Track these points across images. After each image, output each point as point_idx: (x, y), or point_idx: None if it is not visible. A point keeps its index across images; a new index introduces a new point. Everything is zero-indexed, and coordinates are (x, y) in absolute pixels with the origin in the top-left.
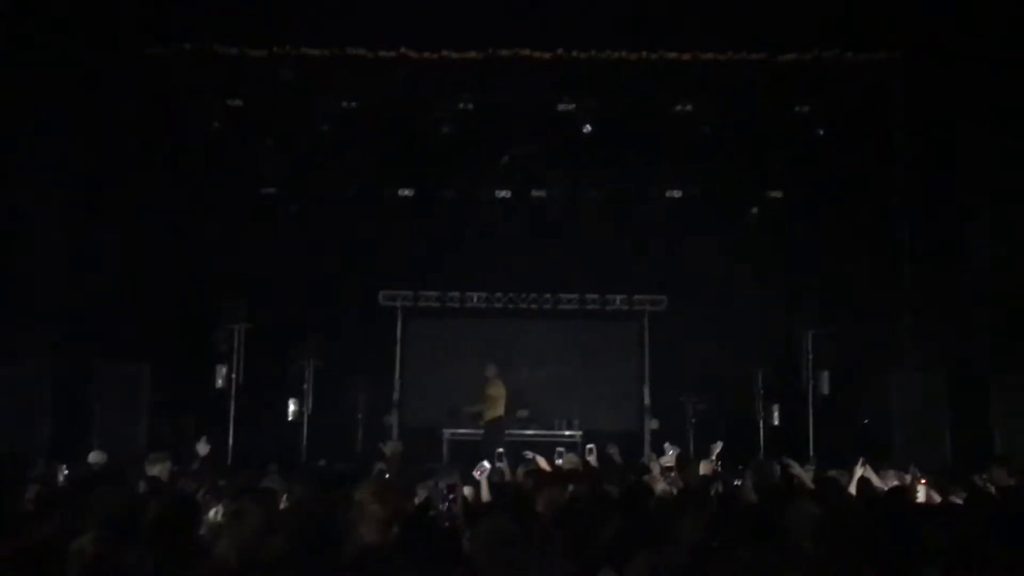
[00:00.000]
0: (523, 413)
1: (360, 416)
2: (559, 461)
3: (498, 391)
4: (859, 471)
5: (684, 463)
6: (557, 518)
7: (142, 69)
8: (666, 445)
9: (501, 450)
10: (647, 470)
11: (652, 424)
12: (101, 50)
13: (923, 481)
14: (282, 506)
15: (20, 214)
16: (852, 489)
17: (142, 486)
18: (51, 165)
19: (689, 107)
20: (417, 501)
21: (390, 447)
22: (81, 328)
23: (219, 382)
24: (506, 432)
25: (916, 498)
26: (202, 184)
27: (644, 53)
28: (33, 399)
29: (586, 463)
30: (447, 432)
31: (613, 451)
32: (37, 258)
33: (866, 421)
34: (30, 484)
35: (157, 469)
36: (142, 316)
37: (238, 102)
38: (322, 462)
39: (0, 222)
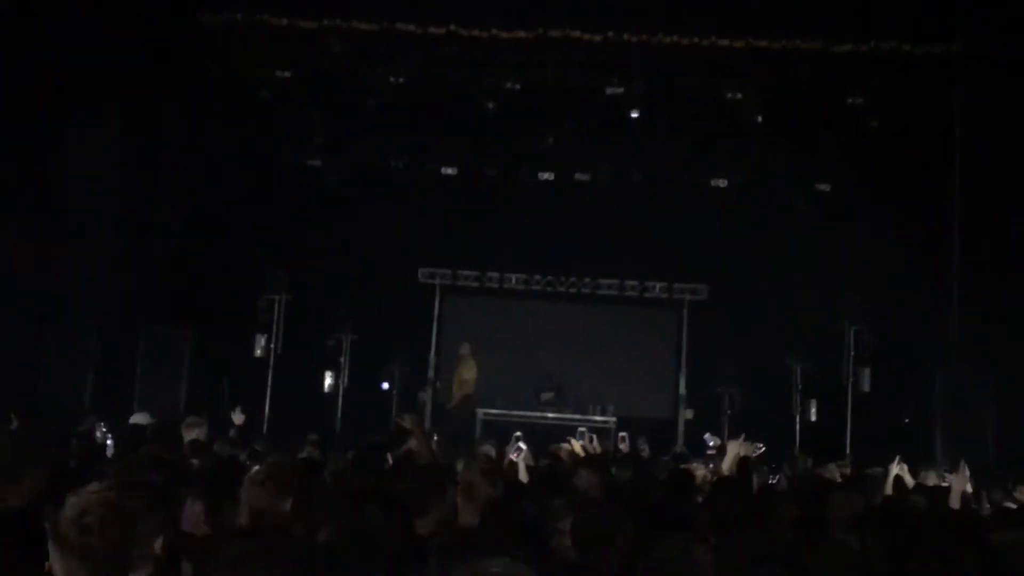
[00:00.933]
0: (547, 396)
1: (394, 392)
2: (581, 442)
3: (472, 373)
4: (895, 469)
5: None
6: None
7: (195, 37)
8: (707, 436)
9: (519, 433)
10: (686, 459)
11: (686, 414)
12: (155, 17)
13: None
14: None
15: (74, 179)
16: (888, 488)
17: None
18: (105, 131)
19: (739, 95)
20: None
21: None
22: (130, 292)
23: (258, 351)
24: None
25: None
26: (250, 154)
27: (696, 39)
28: (80, 358)
29: (618, 450)
30: (480, 411)
31: (643, 447)
32: (89, 222)
33: (907, 420)
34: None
35: (194, 433)
36: (188, 282)
37: (287, 73)
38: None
39: (54, 186)
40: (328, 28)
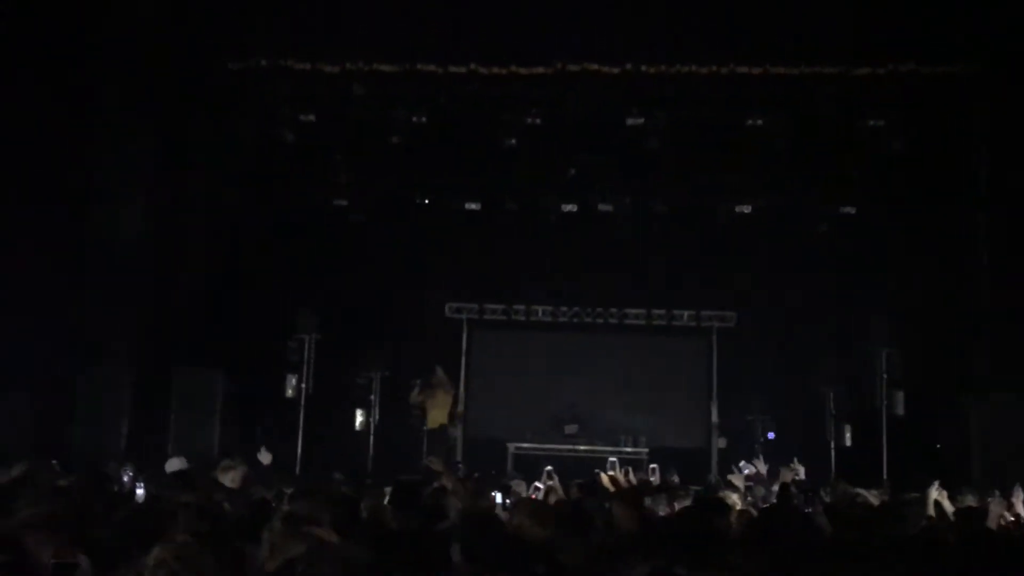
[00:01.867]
0: (572, 428)
1: (425, 428)
2: (610, 473)
3: (450, 398)
4: (933, 494)
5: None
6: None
7: (220, 84)
8: (742, 464)
9: (550, 468)
10: (717, 488)
11: (720, 443)
12: (182, 64)
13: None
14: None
15: (105, 226)
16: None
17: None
18: (135, 179)
19: (760, 121)
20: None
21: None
22: (161, 335)
23: (289, 391)
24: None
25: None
26: (277, 195)
27: (714, 67)
28: (114, 402)
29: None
30: (512, 445)
31: (674, 477)
32: (121, 267)
33: (938, 445)
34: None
35: (229, 477)
36: (219, 324)
37: (311, 116)
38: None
39: (87, 232)
40: (350, 71)
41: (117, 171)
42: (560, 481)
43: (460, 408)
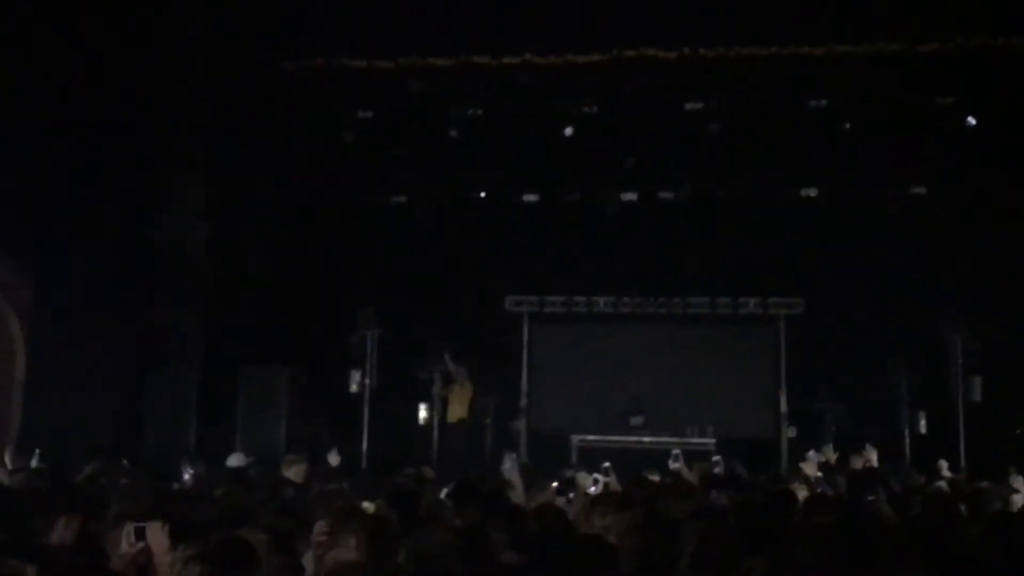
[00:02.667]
0: (637, 420)
1: (488, 421)
2: (674, 466)
3: (467, 391)
4: (1017, 483)
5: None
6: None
7: (277, 85)
8: (810, 453)
9: (608, 464)
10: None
11: (789, 432)
12: (238, 67)
13: None
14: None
15: (168, 229)
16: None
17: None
18: (196, 181)
19: (824, 102)
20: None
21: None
22: (226, 334)
23: (353, 387)
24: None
25: None
26: (336, 193)
27: (775, 48)
28: (181, 402)
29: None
30: (575, 438)
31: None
32: (185, 269)
33: (1018, 431)
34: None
35: (292, 471)
36: (283, 322)
37: (368, 113)
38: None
39: (151, 238)
40: (405, 67)
41: (179, 174)
42: (619, 476)
43: (523, 402)
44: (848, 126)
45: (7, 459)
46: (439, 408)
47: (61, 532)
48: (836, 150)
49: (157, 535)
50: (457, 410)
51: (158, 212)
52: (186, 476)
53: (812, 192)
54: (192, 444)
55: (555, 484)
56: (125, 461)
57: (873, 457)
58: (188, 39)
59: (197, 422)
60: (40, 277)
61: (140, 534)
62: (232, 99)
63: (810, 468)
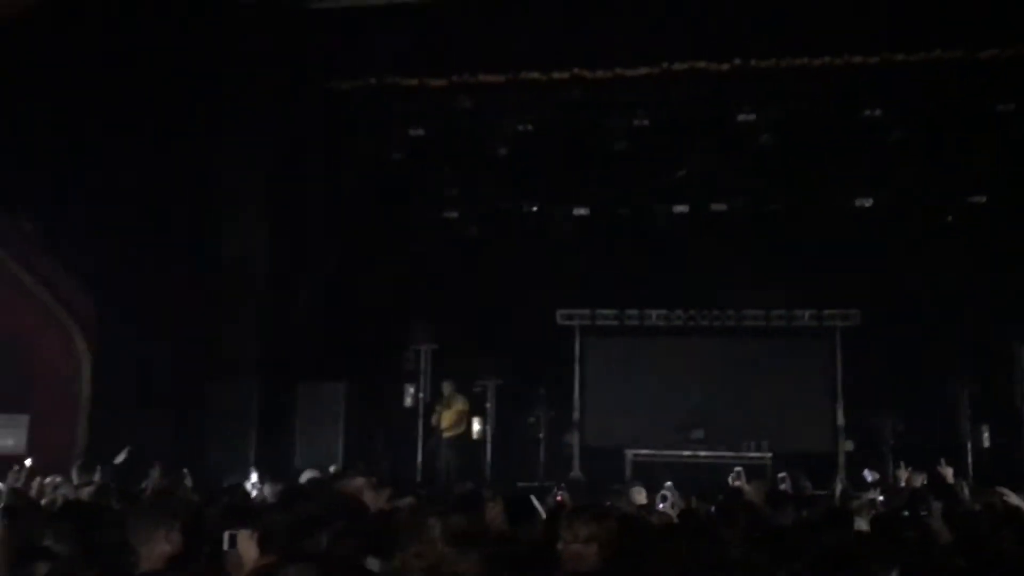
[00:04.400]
0: (698, 434)
1: (542, 435)
2: (736, 483)
3: (466, 407)
4: None
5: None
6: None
7: (332, 104)
8: (866, 472)
9: (670, 483)
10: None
11: (847, 446)
12: (295, 88)
13: None
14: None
15: (227, 248)
16: None
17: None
18: (254, 197)
19: (878, 111)
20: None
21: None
22: (285, 350)
23: (408, 401)
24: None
25: None
26: (389, 211)
27: (827, 58)
28: (242, 416)
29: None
30: (630, 452)
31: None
32: (244, 287)
33: None
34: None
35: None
36: (339, 338)
37: (420, 131)
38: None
39: (211, 253)
40: (456, 84)
41: (239, 193)
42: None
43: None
44: (903, 135)
45: (73, 474)
46: (492, 420)
47: (162, 544)
48: (891, 159)
49: (247, 543)
50: (454, 428)
51: (219, 231)
52: (249, 486)
53: (867, 202)
54: (252, 458)
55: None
56: (186, 471)
57: (949, 473)
58: (247, 62)
59: (257, 436)
60: (103, 294)
61: (232, 541)
62: (289, 120)
63: (870, 482)
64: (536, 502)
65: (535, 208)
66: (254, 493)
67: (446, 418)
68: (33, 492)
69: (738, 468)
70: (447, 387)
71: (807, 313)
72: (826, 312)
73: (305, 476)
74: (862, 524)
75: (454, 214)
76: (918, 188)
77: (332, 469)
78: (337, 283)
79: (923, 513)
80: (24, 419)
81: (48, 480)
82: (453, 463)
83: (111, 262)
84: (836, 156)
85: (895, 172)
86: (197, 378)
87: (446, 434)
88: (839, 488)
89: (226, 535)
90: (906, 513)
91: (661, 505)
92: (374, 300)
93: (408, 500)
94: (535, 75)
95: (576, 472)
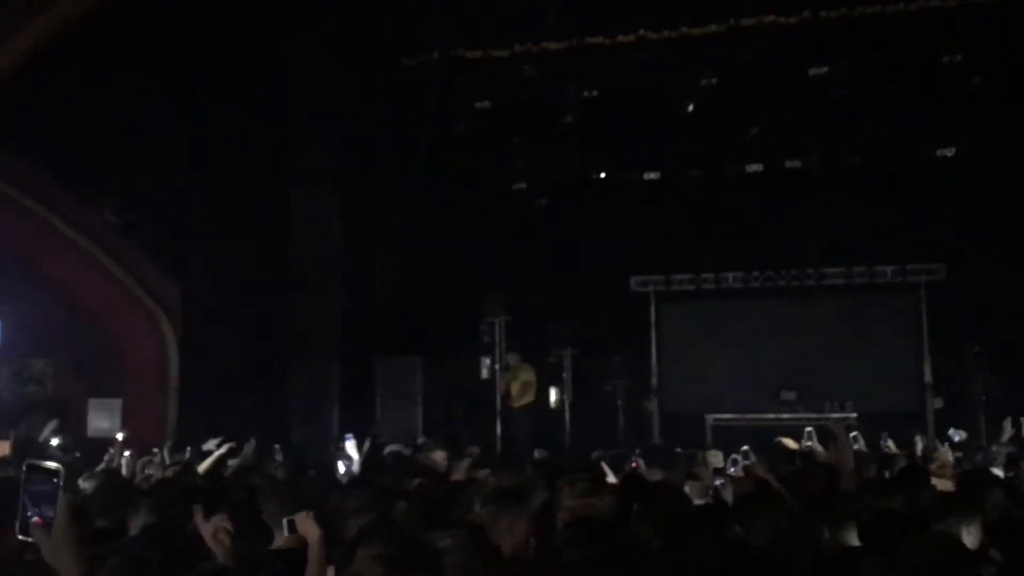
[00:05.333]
0: (789, 395)
1: (620, 402)
2: (808, 443)
3: (532, 376)
4: None
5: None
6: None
7: (397, 81)
8: (951, 431)
9: (746, 448)
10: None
11: (935, 403)
12: (360, 66)
13: None
14: None
15: (303, 229)
16: None
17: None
18: (325, 179)
19: (958, 57)
20: None
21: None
22: (362, 326)
23: (484, 373)
24: None
25: None
26: (457, 184)
27: (902, 5)
28: (323, 392)
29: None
30: (710, 417)
31: (886, 443)
32: (321, 266)
33: None
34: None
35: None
36: (413, 314)
37: (485, 103)
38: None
39: (290, 239)
40: (520, 53)
41: (312, 175)
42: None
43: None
44: (983, 82)
45: (165, 455)
46: (569, 389)
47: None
48: (973, 107)
49: (308, 527)
50: (521, 396)
51: (294, 212)
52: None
53: (949, 152)
54: (334, 434)
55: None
56: (277, 446)
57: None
58: (316, 45)
59: (339, 412)
60: (187, 280)
61: (292, 527)
62: (359, 99)
63: (947, 455)
64: (607, 468)
65: (603, 175)
66: (342, 469)
67: (514, 388)
68: (125, 472)
69: (809, 429)
70: (512, 358)
71: (889, 269)
72: (909, 267)
73: (388, 449)
74: (947, 484)
75: (522, 185)
76: (1002, 135)
77: (420, 441)
78: (410, 259)
79: (1010, 475)
80: (117, 403)
81: (141, 460)
82: (525, 433)
83: (192, 248)
84: (914, 106)
85: (977, 120)
86: (279, 358)
87: (516, 404)
88: (919, 446)
89: (285, 521)
90: (1000, 472)
91: (732, 469)
92: (446, 275)
93: (486, 471)
94: (599, 40)
95: (656, 438)
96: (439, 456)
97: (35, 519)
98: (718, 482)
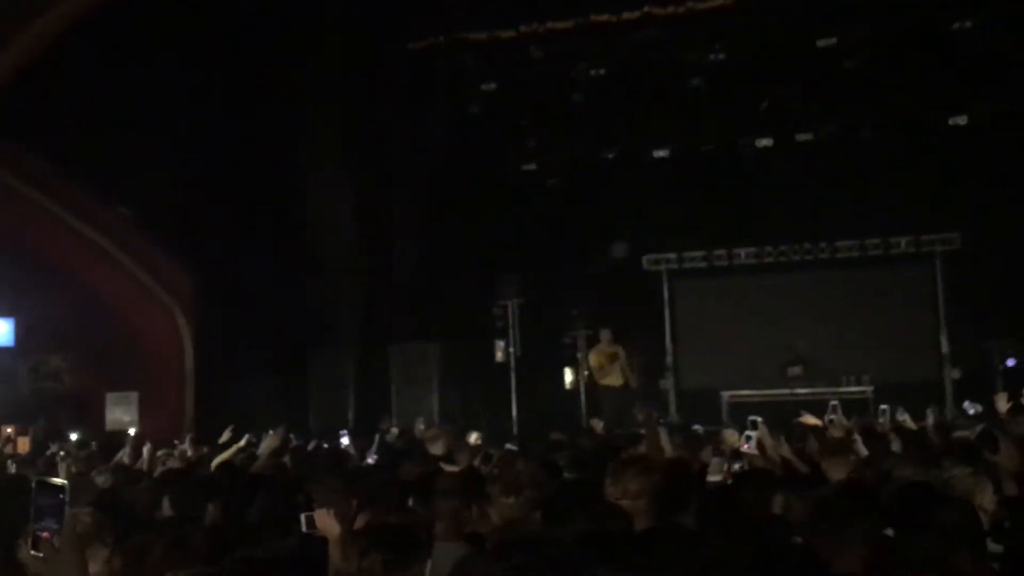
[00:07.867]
0: (794, 370)
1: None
2: (831, 418)
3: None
4: None
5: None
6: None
7: (404, 66)
8: (966, 404)
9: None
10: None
11: (953, 374)
12: (367, 53)
13: None
14: None
15: (318, 220)
16: None
17: None
18: (338, 166)
19: (968, 23)
20: None
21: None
22: (377, 314)
23: (499, 355)
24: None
25: None
26: (467, 167)
27: None
28: (340, 379)
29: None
30: (726, 394)
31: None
32: (335, 255)
33: None
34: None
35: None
36: (428, 298)
37: (492, 85)
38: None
39: (306, 230)
40: (526, 34)
41: (324, 162)
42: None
43: (668, 360)
44: (994, 48)
45: (186, 446)
46: (584, 372)
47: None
48: (984, 74)
49: (326, 521)
50: (610, 379)
51: (306, 199)
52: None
53: (961, 120)
54: (351, 417)
55: None
56: (292, 435)
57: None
58: (323, 33)
59: (355, 398)
60: (200, 271)
61: (310, 523)
62: (369, 85)
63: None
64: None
65: (613, 154)
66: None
67: (594, 363)
68: (144, 464)
69: (834, 402)
70: (604, 335)
71: (904, 240)
72: (924, 238)
73: (394, 434)
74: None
75: (532, 166)
76: (1015, 102)
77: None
78: (422, 244)
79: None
80: (134, 396)
81: (160, 453)
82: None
83: (205, 240)
84: (924, 74)
85: (989, 87)
86: (295, 347)
87: (601, 382)
88: (931, 420)
89: (303, 516)
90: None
91: (746, 446)
92: (459, 259)
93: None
94: (605, 17)
95: (673, 415)
96: (449, 442)
97: (44, 534)
98: (737, 465)
